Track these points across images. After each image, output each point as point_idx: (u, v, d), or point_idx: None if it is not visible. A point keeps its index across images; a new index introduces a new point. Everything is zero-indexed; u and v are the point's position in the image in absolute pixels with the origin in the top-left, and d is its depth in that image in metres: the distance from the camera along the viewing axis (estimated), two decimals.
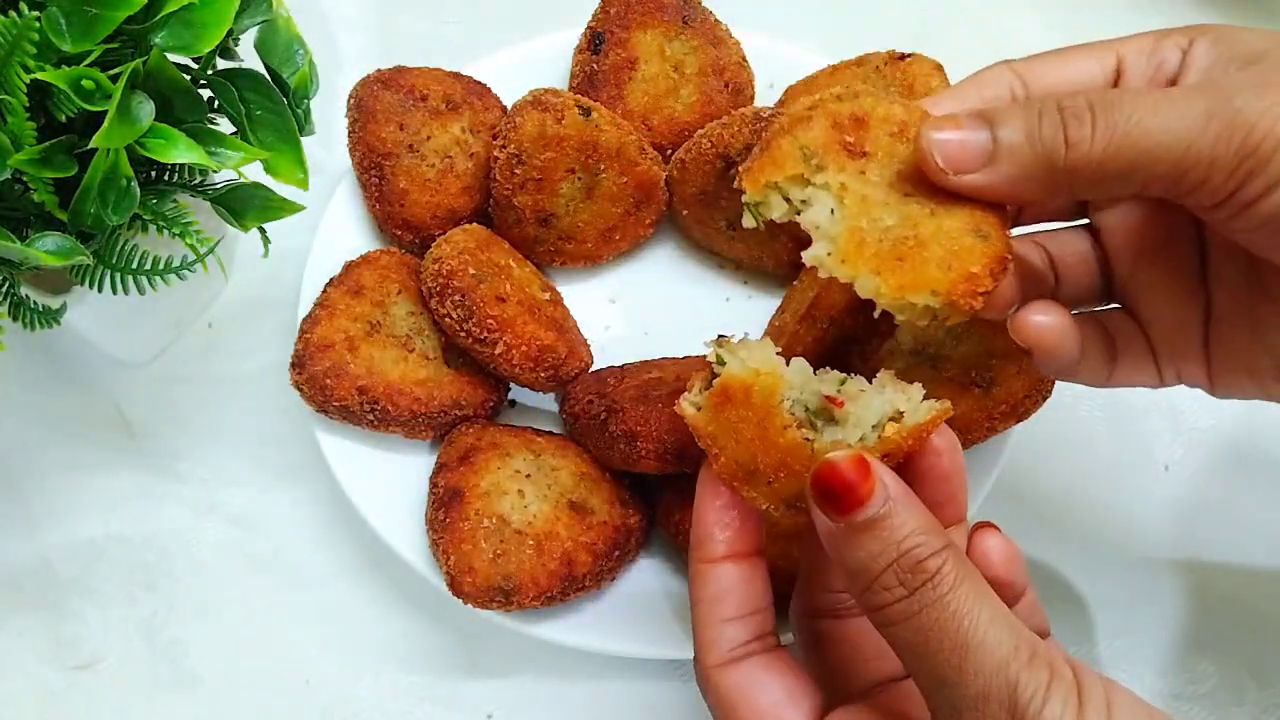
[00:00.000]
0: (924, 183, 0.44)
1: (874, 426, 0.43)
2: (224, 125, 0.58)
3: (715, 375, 0.45)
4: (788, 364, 0.45)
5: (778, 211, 0.45)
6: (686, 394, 0.46)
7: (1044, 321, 0.49)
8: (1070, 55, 0.48)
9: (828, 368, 0.46)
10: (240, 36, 0.60)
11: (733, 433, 0.44)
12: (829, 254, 0.43)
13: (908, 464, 0.45)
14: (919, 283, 0.42)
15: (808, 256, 0.44)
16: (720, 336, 0.46)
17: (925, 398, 0.44)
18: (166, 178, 0.61)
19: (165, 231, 0.57)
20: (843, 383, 0.45)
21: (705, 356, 0.46)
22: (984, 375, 0.63)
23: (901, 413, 0.43)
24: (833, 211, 0.44)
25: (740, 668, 0.45)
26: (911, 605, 0.39)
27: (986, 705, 0.37)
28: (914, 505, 0.41)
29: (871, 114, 0.45)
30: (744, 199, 0.45)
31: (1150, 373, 0.52)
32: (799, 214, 0.44)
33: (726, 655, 0.45)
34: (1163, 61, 0.47)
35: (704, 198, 0.73)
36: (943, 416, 0.44)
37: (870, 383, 0.45)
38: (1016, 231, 0.51)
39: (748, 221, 0.46)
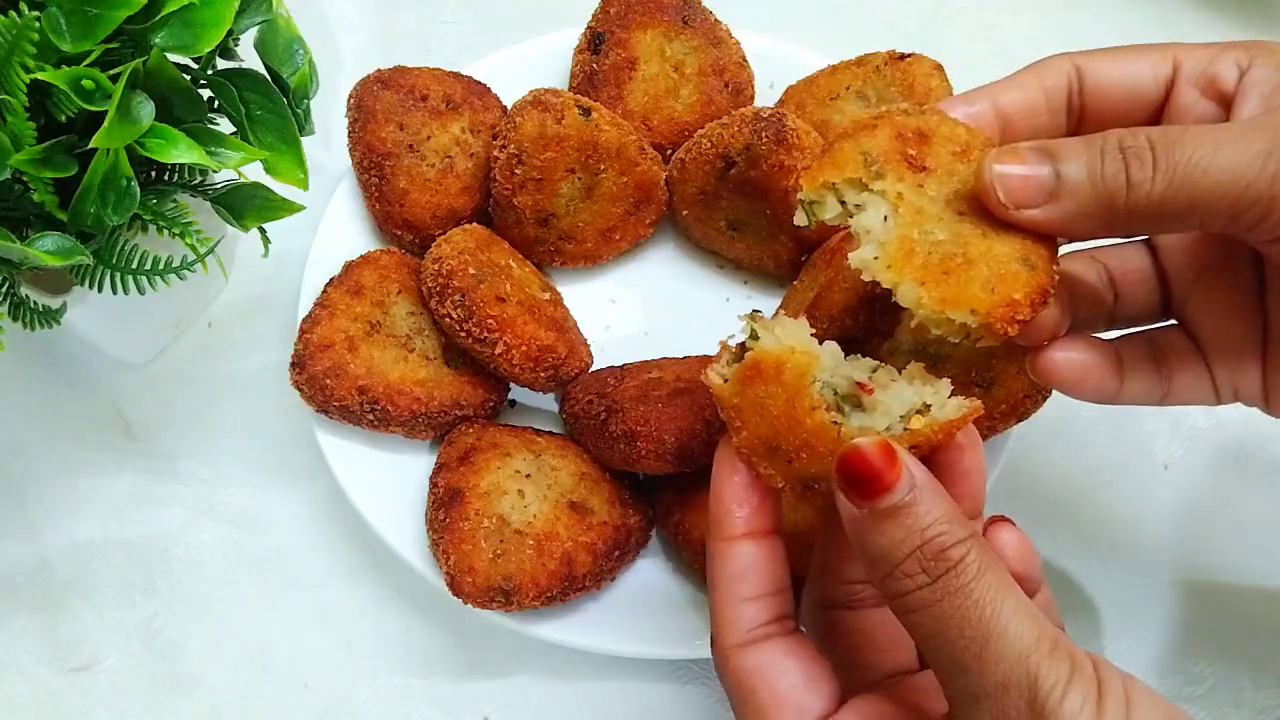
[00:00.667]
0: (979, 205, 0.44)
1: (901, 417, 0.43)
2: (224, 125, 0.58)
3: (745, 349, 0.45)
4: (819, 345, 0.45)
5: (831, 213, 0.45)
6: (714, 364, 0.46)
7: (1062, 358, 0.49)
8: (1128, 55, 0.49)
9: (859, 355, 0.46)
10: (240, 36, 0.60)
11: (758, 408, 0.44)
12: (876, 258, 0.43)
13: (929, 458, 0.46)
14: (960, 300, 0.42)
15: (854, 259, 0.44)
16: (754, 312, 0.46)
17: (952, 394, 0.44)
18: (166, 178, 0.61)
19: (165, 231, 0.57)
20: (874, 370, 0.45)
21: (727, 337, 0.46)
22: (984, 375, 0.63)
23: (928, 406, 0.44)
24: (886, 219, 0.44)
25: (759, 649, 0.44)
26: (934, 593, 0.39)
27: (1006, 695, 0.37)
28: (939, 494, 0.41)
29: (936, 131, 0.45)
30: (799, 196, 0.45)
31: (1207, 390, 0.52)
32: (851, 217, 0.45)
33: (746, 635, 0.45)
34: (1217, 75, 0.47)
35: (704, 198, 0.73)
36: (974, 414, 0.44)
37: (900, 374, 0.45)
38: (1077, 247, 0.51)
39: (799, 219, 0.46)
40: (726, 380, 0.45)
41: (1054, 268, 0.44)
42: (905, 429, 0.43)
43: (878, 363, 0.46)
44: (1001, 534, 0.47)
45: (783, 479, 0.45)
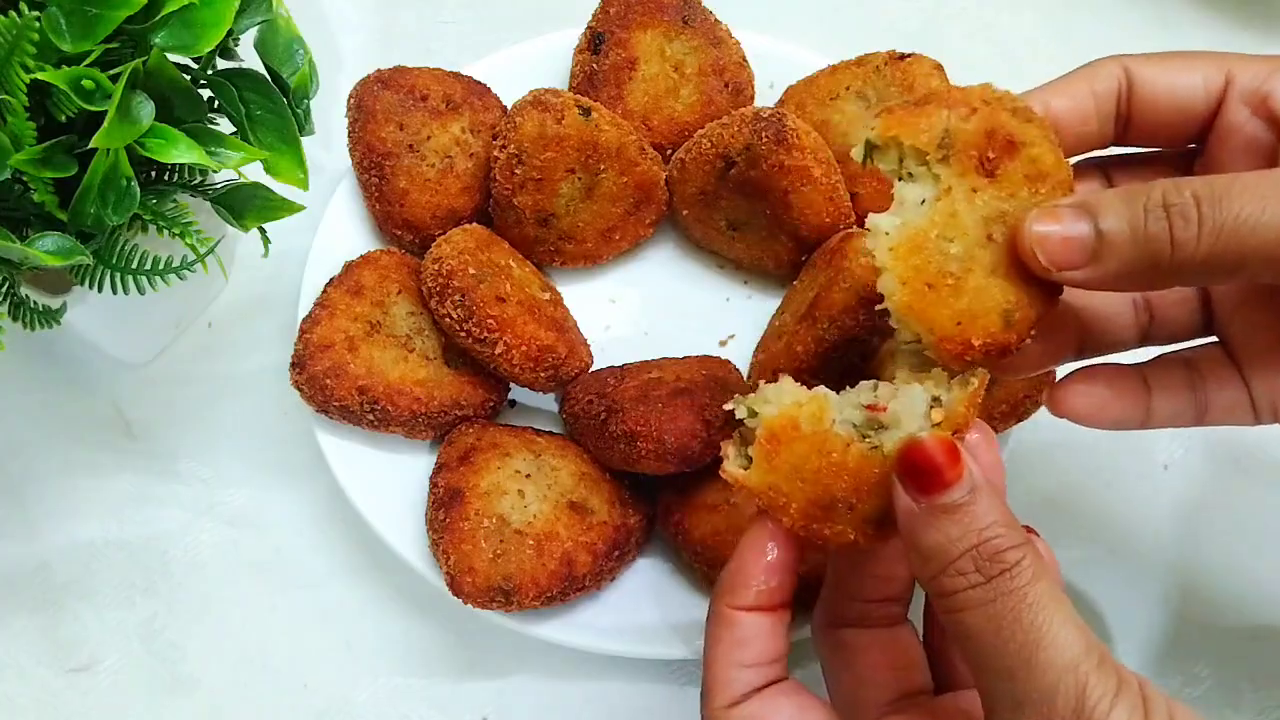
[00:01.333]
0: (1011, 239, 0.43)
1: (923, 417, 0.43)
2: (224, 125, 0.58)
3: (745, 430, 0.45)
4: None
5: (885, 165, 0.45)
6: (726, 461, 0.45)
7: (1079, 391, 0.50)
8: (1180, 62, 0.48)
9: (847, 386, 0.45)
10: (240, 36, 0.60)
11: (796, 474, 0.43)
12: (887, 234, 0.43)
13: None
14: (924, 316, 0.42)
15: (871, 219, 0.44)
16: (735, 396, 0.46)
17: (952, 377, 0.44)
18: (166, 178, 0.61)
19: (165, 231, 0.57)
20: (874, 389, 0.45)
21: (732, 413, 0.46)
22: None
23: (937, 398, 0.43)
24: (923, 203, 0.44)
25: (751, 702, 0.44)
26: (986, 593, 0.39)
27: (1052, 703, 0.37)
28: (997, 498, 0.40)
29: (1026, 148, 0.44)
30: (867, 135, 0.45)
31: (1245, 411, 0.51)
32: (899, 179, 0.44)
33: (739, 697, 0.45)
34: (1271, 94, 0.46)
35: (704, 198, 0.73)
36: (985, 381, 0.44)
37: (894, 384, 0.45)
38: None
39: (856, 154, 0.45)
40: (747, 468, 0.44)
41: (1032, 331, 0.43)
42: (933, 425, 0.42)
43: (872, 381, 0.45)
44: None
45: (852, 530, 0.44)
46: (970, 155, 0.43)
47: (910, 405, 0.43)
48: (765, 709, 0.44)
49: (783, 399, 0.44)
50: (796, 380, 0.66)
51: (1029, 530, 0.46)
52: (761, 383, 0.45)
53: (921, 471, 0.40)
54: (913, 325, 0.43)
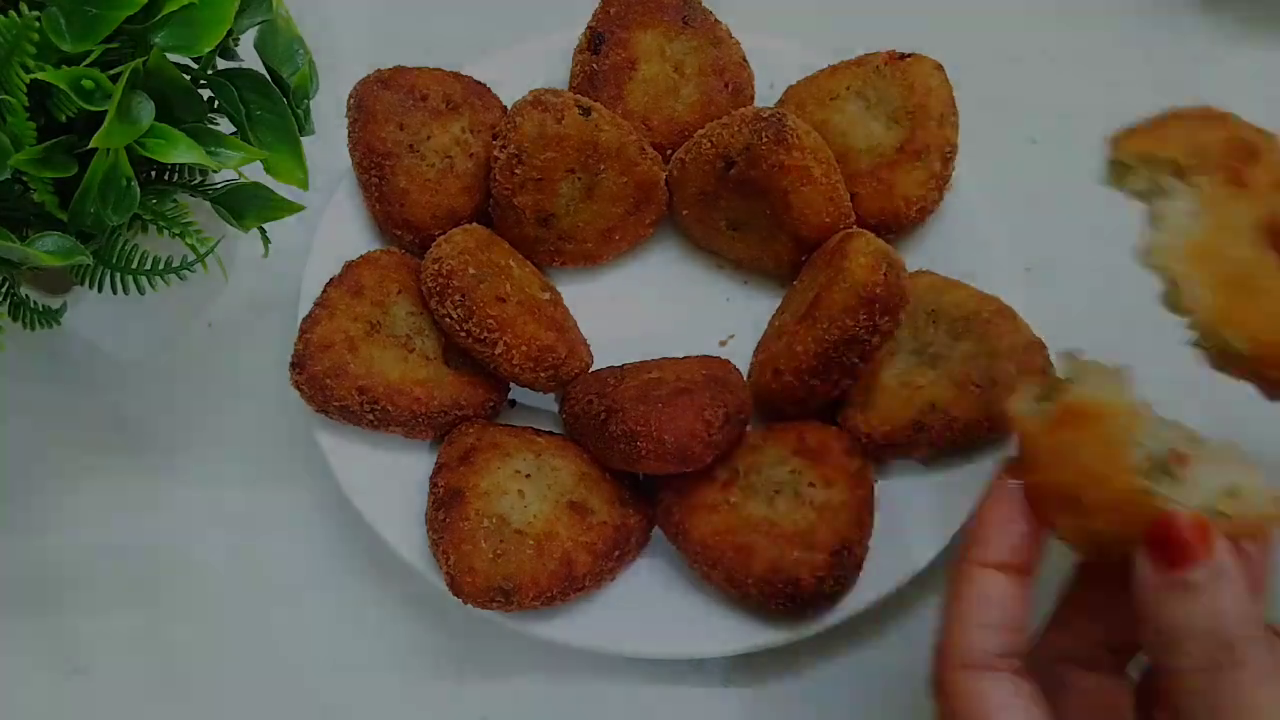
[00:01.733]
0: (1277, 245, 0.43)
1: (1215, 496, 0.41)
2: (224, 125, 0.58)
3: (1053, 386, 0.43)
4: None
5: (1136, 185, 0.44)
6: (1016, 397, 0.44)
7: None
8: None
9: (1177, 419, 0.43)
10: (240, 36, 0.60)
11: (1065, 455, 0.42)
12: (1168, 247, 0.42)
13: None
14: (1244, 322, 0.41)
15: (1150, 242, 0.43)
16: (1071, 351, 0.44)
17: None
18: (166, 178, 0.61)
19: (165, 231, 0.57)
20: (1191, 440, 0.42)
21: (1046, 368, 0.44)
22: (984, 376, 0.63)
23: (1239, 488, 0.41)
24: (1191, 216, 0.43)
25: (988, 675, 0.43)
26: (1212, 680, 0.38)
27: None
28: (1243, 589, 0.39)
29: (1267, 153, 0.44)
30: (1110, 156, 0.44)
31: None
32: (1153, 198, 0.43)
33: (976, 658, 0.43)
34: None
35: (704, 198, 0.73)
36: None
37: (1213, 445, 0.43)
38: None
39: (1105, 178, 0.45)
40: (1035, 416, 0.43)
41: None
42: (1217, 511, 0.40)
43: (1193, 431, 0.43)
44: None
45: (1073, 535, 0.43)
46: (1219, 165, 0.43)
47: (1211, 479, 0.41)
48: (999, 695, 0.42)
49: (1110, 390, 0.42)
50: (795, 380, 0.66)
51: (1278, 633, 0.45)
52: (1105, 361, 0.43)
53: (1167, 545, 0.39)
54: (1229, 335, 0.41)
